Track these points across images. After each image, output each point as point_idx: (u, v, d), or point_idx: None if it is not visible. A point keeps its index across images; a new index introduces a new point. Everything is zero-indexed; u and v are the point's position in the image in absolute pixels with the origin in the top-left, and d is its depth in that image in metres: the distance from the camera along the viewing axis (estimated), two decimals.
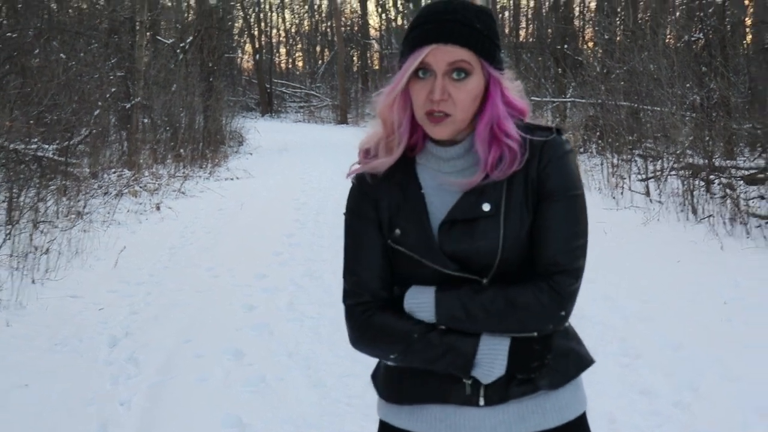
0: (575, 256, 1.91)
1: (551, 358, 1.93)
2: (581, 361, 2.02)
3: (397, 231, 1.96)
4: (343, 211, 2.08)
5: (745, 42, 20.62)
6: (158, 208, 12.74)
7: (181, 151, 19.00)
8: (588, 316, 6.48)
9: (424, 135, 2.00)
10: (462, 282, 1.90)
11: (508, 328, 1.88)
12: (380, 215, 2.00)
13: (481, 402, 1.92)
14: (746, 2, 21.20)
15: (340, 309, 2.10)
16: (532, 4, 36.60)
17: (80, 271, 8.38)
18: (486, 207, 1.90)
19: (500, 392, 1.92)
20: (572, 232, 1.92)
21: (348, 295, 2.02)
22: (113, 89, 16.20)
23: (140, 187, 14.15)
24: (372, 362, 2.16)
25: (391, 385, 2.03)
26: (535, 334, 1.90)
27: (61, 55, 13.14)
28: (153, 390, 5.22)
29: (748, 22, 20.80)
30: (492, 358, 1.88)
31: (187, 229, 11.30)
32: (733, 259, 8.13)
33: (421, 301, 1.91)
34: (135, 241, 10.11)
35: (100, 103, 14.03)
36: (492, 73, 1.93)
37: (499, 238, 1.89)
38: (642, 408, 4.74)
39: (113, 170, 14.79)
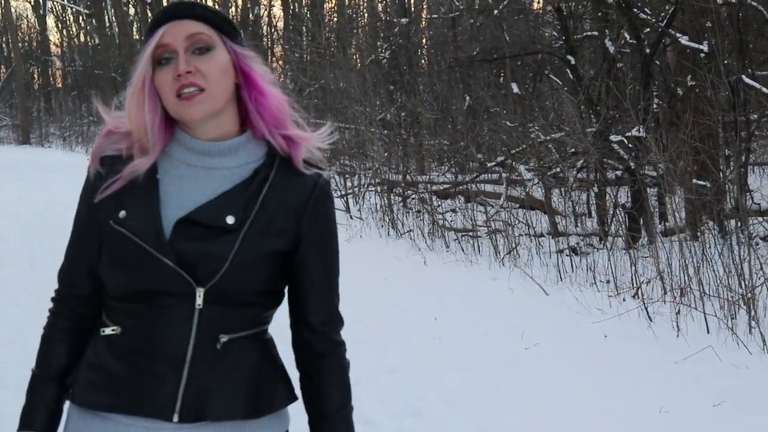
0: (338, 304, 1.93)
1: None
2: (287, 396, 1.94)
3: (123, 212, 1.79)
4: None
5: (424, 62, 21.55)
6: None
7: None
8: None
9: (170, 131, 1.87)
10: (177, 281, 1.75)
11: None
12: (105, 197, 1.83)
13: (175, 418, 1.76)
14: (422, 24, 22.18)
15: (27, 348, 1.80)
16: None
17: None
18: (230, 220, 1.77)
19: (195, 409, 1.77)
20: (336, 283, 1.91)
21: (58, 281, 1.95)
22: None
23: None
24: None
25: (91, 385, 1.83)
26: None
27: None
28: None
29: (424, 42, 21.76)
30: None
31: None
32: (437, 273, 8.23)
33: None
34: None
35: None
36: (237, 50, 1.84)
37: (231, 252, 1.75)
38: None
39: None
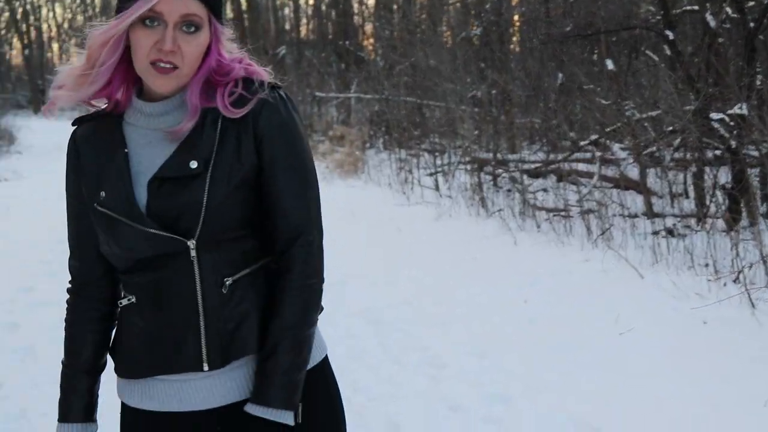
0: (312, 219, 1.88)
1: None
2: None
3: (103, 193, 1.85)
4: None
5: (515, 38, 21.14)
6: None
7: None
8: (387, 322, 6.12)
9: (129, 92, 1.92)
10: (166, 243, 1.80)
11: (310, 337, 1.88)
12: (83, 179, 1.92)
13: (205, 367, 1.84)
14: (514, 2, 21.73)
15: None
16: (312, 1, 36.32)
17: None
18: (193, 164, 1.81)
19: (221, 354, 1.84)
20: (306, 196, 1.88)
21: (70, 272, 2.01)
22: None
23: None
24: None
25: (125, 356, 1.93)
26: None
27: None
28: None
29: (521, 20, 21.35)
30: None
31: None
32: (528, 254, 8.03)
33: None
34: None
35: None
36: (218, 30, 1.88)
37: (204, 195, 1.80)
38: (452, 426, 4.38)
39: None
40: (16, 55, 50.99)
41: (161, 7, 1.75)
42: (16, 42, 49.22)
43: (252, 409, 1.80)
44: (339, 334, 5.76)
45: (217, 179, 1.80)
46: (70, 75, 1.88)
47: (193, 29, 1.79)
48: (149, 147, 1.86)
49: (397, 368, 5.13)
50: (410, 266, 7.79)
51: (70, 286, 2.01)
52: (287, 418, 1.80)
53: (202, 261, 1.82)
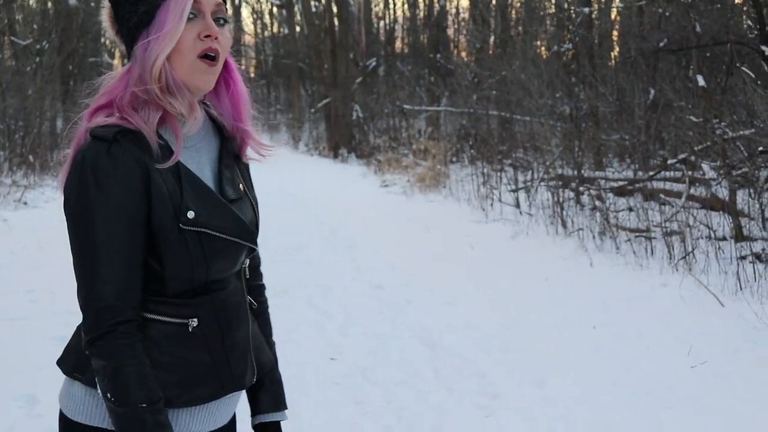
0: None
1: None
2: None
3: (191, 213, 1.69)
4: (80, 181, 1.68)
5: (612, 53, 20.63)
6: None
7: (30, 157, 17.66)
8: (445, 346, 5.81)
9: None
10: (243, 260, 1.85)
11: None
12: (157, 199, 1.66)
13: (254, 380, 1.88)
14: (613, 17, 21.24)
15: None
16: (408, 14, 36.25)
17: None
18: (241, 186, 1.85)
19: (258, 367, 1.90)
20: None
21: (105, 311, 1.63)
22: None
23: None
24: None
25: (186, 384, 1.74)
26: None
27: None
28: None
29: (615, 34, 20.83)
30: None
31: (19, 245, 10.18)
32: (603, 276, 7.68)
33: None
34: None
35: None
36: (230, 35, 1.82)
37: (257, 213, 1.87)
38: None
39: None
40: (116, 65, 52.32)
41: None
42: (117, 52, 50.47)
43: (274, 416, 1.96)
44: (392, 358, 5.52)
45: (255, 198, 1.89)
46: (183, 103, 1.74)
47: (222, 22, 1.74)
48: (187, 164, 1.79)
49: (448, 395, 4.85)
50: (476, 287, 7.50)
51: (118, 317, 1.65)
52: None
53: (246, 276, 1.89)
